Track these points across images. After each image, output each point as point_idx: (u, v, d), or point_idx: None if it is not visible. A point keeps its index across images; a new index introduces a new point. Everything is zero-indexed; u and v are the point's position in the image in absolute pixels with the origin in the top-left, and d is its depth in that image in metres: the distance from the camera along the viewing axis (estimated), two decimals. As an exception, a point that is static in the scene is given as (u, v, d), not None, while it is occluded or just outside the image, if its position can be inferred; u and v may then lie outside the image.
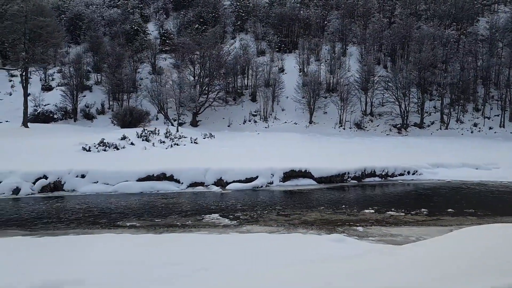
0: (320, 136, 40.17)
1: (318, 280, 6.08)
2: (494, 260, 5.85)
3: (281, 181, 18.61)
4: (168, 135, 27.38)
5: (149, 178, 17.33)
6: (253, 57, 53.34)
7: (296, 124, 47.11)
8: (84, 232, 11.14)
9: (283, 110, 49.35)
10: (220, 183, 17.92)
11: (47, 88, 48.93)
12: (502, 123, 47.59)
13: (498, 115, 48.69)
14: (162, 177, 17.54)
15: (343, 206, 15.00)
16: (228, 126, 46.57)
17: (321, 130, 45.30)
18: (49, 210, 13.92)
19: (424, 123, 47.41)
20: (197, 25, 60.40)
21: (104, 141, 22.47)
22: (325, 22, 62.65)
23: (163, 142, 25.79)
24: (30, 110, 42.40)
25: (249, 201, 15.72)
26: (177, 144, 26.00)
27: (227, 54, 50.48)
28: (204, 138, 30.31)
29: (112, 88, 47.58)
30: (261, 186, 17.96)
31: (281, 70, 53.91)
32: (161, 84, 46.63)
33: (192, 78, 47.24)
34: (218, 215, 13.29)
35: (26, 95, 35.22)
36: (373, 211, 14.28)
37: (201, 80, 46.49)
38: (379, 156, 25.58)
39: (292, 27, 60.78)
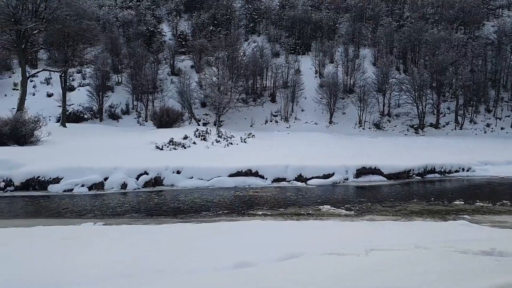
0: (346, 136, 41.62)
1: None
2: None
3: (354, 177, 19.93)
4: (220, 135, 28.43)
5: (238, 173, 18.45)
6: (269, 58, 54.61)
7: (316, 124, 48.47)
8: (234, 219, 12.25)
9: (302, 110, 50.67)
10: (300, 178, 19.14)
11: (69, 88, 49.28)
12: (514, 123, 49.81)
13: (508, 116, 50.94)
14: (249, 173, 18.68)
15: (432, 198, 16.37)
16: (251, 126, 47.62)
17: (341, 130, 46.75)
18: (187, 201, 14.90)
19: (440, 123, 49.27)
20: (211, 27, 61.38)
21: (173, 140, 23.47)
22: (337, 25, 64.26)
23: (218, 141, 26.84)
24: (55, 110, 42.99)
25: (340, 194, 16.98)
26: (231, 143, 27.09)
27: (244, 55, 51.70)
28: (248, 137, 31.38)
29: (135, 89, 48.26)
30: (339, 182, 19.24)
31: (297, 71, 55.21)
32: (184, 85, 47.46)
33: (216, 79, 48.18)
34: (329, 206, 14.51)
35: (64, 95, 35.80)
36: (463, 202, 15.70)
37: (225, 81, 47.47)
38: (419, 154, 26.97)
39: (305, 30, 62.28)
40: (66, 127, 36.06)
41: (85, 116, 43.56)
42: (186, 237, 9.56)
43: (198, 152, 23.26)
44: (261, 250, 8.35)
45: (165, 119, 35.82)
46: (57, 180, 16.33)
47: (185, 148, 23.71)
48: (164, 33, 59.88)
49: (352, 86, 52.15)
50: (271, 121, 48.96)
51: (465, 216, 13.44)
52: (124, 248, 8.35)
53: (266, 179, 18.74)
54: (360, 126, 48.23)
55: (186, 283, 6.28)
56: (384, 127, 48.36)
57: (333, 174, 19.44)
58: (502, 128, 49.69)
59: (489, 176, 22.04)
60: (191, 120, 46.62)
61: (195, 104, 47.08)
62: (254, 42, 59.99)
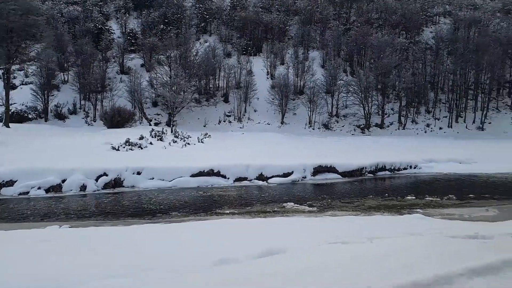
0: (297, 136, 42.78)
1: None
2: None
3: (312, 176, 20.71)
4: (177, 135, 28.25)
5: (200, 173, 18.56)
6: (221, 59, 54.83)
7: (269, 124, 49.31)
8: (203, 219, 12.41)
9: (255, 111, 51.32)
10: (261, 177, 19.60)
11: (10, 87, 46.66)
12: (450, 123, 53.47)
13: (445, 117, 54.55)
14: (211, 172, 18.85)
15: (386, 194, 17.43)
16: (204, 126, 47.57)
17: (293, 130, 47.90)
18: (152, 202, 14.76)
19: (384, 123, 51.85)
20: (162, 26, 60.54)
21: (130, 140, 23.05)
22: (287, 27, 65.62)
23: (175, 141, 26.68)
24: (-4, 109, 40.60)
25: (300, 192, 17.61)
26: (189, 144, 27.03)
27: (196, 54, 51.60)
28: (204, 137, 31.40)
29: (82, 88, 46.63)
30: (298, 180, 19.93)
31: (249, 72, 55.80)
32: (135, 84, 46.50)
33: (168, 78, 47.62)
34: (293, 203, 15.07)
35: (8, 94, 33.92)
36: (414, 197, 16.87)
37: (178, 80, 47.05)
38: (369, 153, 28.37)
39: (256, 31, 63.09)
40: (9, 127, 34.19)
41: (29, 116, 41.45)
42: (164, 237, 9.64)
43: (156, 152, 23.06)
44: (241, 247, 8.63)
45: (116, 119, 34.96)
46: (10, 183, 15.60)
47: (142, 148, 23.40)
48: (112, 31, 58.22)
49: (302, 87, 53.54)
50: (224, 121, 49.18)
51: (418, 210, 14.50)
52: (106, 249, 8.32)
53: (228, 178, 19.02)
54: (310, 126, 49.66)
55: (173, 280, 6.40)
56: (332, 127, 50.11)
57: (292, 172, 20.10)
58: (440, 128, 53.15)
59: (434, 172, 23.70)
60: (141, 120, 45.77)
61: (146, 103, 46.29)
62: (206, 42, 59.94)
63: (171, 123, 43.42)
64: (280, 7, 68.25)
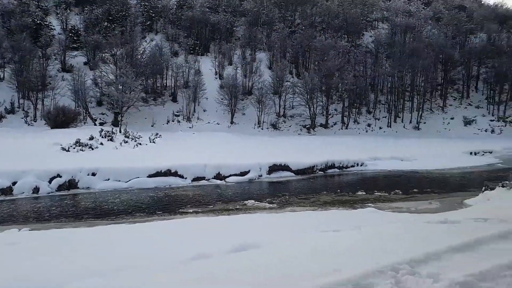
0: (248, 136, 43.38)
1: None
2: None
3: (267, 174, 21.36)
4: (128, 135, 27.75)
5: (158, 174, 18.53)
6: (169, 58, 54.29)
7: (218, 124, 49.55)
8: (167, 218, 12.55)
9: (204, 110, 51.34)
10: (219, 176, 19.93)
11: None
12: (389, 123, 56.69)
13: (385, 117, 57.74)
14: (168, 173, 18.87)
15: (338, 190, 18.44)
16: (152, 126, 46.82)
17: (242, 130, 48.49)
18: (112, 203, 14.53)
19: (329, 123, 53.91)
20: (106, 23, 58.77)
21: (80, 141, 22.41)
22: (234, 28, 66.18)
23: (126, 142, 26.25)
24: None
25: (258, 190, 18.18)
26: (140, 144, 26.69)
27: (143, 53, 50.76)
28: (156, 137, 31.04)
29: (21, 86, 44.24)
30: (255, 179, 20.49)
31: (198, 72, 55.67)
32: (79, 82, 44.84)
33: (114, 77, 46.38)
34: (253, 201, 15.57)
35: None
36: (364, 192, 18.00)
37: (125, 79, 45.98)
38: (318, 151, 29.64)
39: (203, 31, 63.06)
40: None
41: (-39, 115, 38.63)
42: (133, 236, 9.73)
43: (108, 153, 22.61)
44: (212, 243, 8.93)
45: (61, 119, 33.60)
46: (-44, 186, 14.76)
47: (92, 149, 22.84)
48: (52, 27, 55.63)
49: (251, 88, 54.33)
50: (173, 121, 48.74)
51: (370, 204, 15.56)
52: (77, 250, 8.31)
53: (186, 178, 19.15)
54: (259, 126, 50.53)
55: (150, 278, 6.54)
56: (280, 127, 51.32)
57: (248, 171, 20.63)
58: (380, 128, 56.19)
59: (379, 169, 25.25)
60: (86, 120, 44.21)
61: (91, 103, 44.78)
62: (152, 40, 58.96)
63: (119, 122, 42.33)
64: (227, 7, 68.70)
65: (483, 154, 34.32)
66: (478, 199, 16.29)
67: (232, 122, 49.99)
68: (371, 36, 69.76)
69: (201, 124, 49.08)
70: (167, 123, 48.16)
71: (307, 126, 52.39)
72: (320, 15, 71.28)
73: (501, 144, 40.73)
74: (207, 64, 57.71)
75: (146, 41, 59.39)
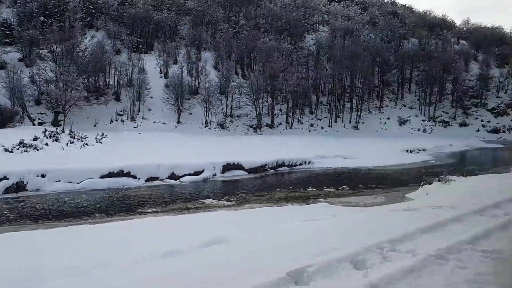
0: (196, 135, 43.35)
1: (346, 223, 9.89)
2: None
3: (221, 173, 21.72)
4: (73, 135, 26.84)
5: (110, 175, 18.26)
6: (112, 55, 52.83)
7: (164, 124, 48.98)
8: (127, 219, 12.57)
9: (149, 110, 50.51)
10: (173, 176, 19.99)
11: None
12: (330, 123, 59.08)
13: (326, 117, 60.08)
14: (121, 173, 18.65)
15: (290, 187, 19.24)
16: (94, 125, 45.34)
17: (189, 129, 48.32)
18: (67, 204, 14.11)
19: (274, 123, 55.17)
20: (42, 18, 55.97)
21: (24, 141, 21.43)
22: (178, 27, 65.61)
23: (72, 142, 25.41)
24: None
25: (214, 189, 18.52)
26: (87, 144, 25.96)
27: (84, 50, 49.03)
28: (102, 138, 30.21)
29: None
30: (209, 178, 20.77)
31: (142, 70, 54.63)
32: (15, 80, 42.40)
33: (53, 74, 44.39)
34: (211, 199, 15.91)
35: None
36: (315, 189, 18.95)
37: (64, 77, 44.15)
38: (267, 150, 30.56)
39: (146, 29, 61.92)
40: None
41: None
42: (101, 236, 9.76)
43: (54, 153, 21.86)
44: (181, 240, 9.22)
45: (-3, 118, 31.74)
46: None
47: (38, 150, 21.95)
48: (-19, 20, 52.00)
49: (197, 87, 54.25)
50: (116, 121, 47.50)
51: (321, 199, 16.46)
52: (45, 251, 8.26)
53: (139, 178, 19.02)
54: (207, 126, 50.62)
55: (125, 275, 6.78)
56: (227, 127, 51.74)
57: (203, 171, 20.87)
58: (322, 127, 58.40)
59: (325, 167, 26.49)
60: (23, 120, 41.95)
61: (29, 101, 42.52)
62: (93, 37, 56.90)
63: (59, 122, 40.61)
64: (171, 6, 67.95)
65: (417, 152, 37.01)
66: (418, 192, 17.80)
67: (178, 122, 49.63)
68: (312, 39, 72.16)
69: (146, 124, 48.24)
70: (110, 123, 46.85)
71: (253, 126, 53.25)
72: (263, 17, 72.55)
73: (433, 142, 44.10)
74: (151, 63, 56.74)
75: (86, 38, 57.26)
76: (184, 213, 13.69)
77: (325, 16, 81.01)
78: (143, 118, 49.08)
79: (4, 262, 7.28)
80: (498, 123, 65.55)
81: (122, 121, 47.78)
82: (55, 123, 43.80)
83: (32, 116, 42.63)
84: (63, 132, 30.39)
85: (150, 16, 61.90)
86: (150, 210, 13.96)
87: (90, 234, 10.14)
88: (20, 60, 49.55)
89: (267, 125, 54.58)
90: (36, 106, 44.49)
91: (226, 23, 69.36)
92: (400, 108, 66.88)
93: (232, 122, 53.34)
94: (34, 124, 40.60)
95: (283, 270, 4.87)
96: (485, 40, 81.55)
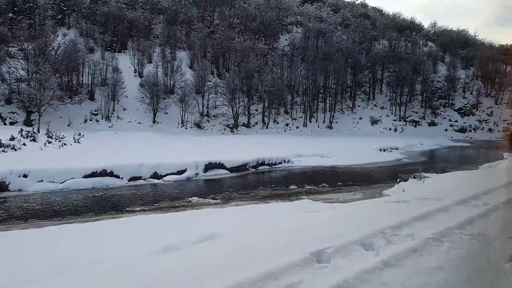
0: (173, 135, 43.28)
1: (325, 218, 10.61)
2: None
3: (203, 172, 21.94)
4: (51, 135, 26.43)
5: (93, 174, 18.21)
6: (85, 54, 52.00)
7: (140, 123, 48.63)
8: (116, 217, 12.70)
9: (124, 109, 50.01)
10: (156, 176, 20.09)
11: None
12: (305, 123, 60.03)
13: (301, 117, 61.00)
14: (104, 173, 18.62)
15: (273, 185, 19.69)
16: (68, 125, 44.55)
17: (165, 129, 48.16)
18: (52, 204, 14.02)
19: (250, 123, 55.62)
20: (11, 14, 54.50)
21: (1, 141, 21.03)
22: (152, 25, 65.11)
23: (50, 142, 25.04)
24: None
25: (199, 187, 18.78)
26: (65, 144, 25.63)
27: (58, 48, 48.07)
28: (80, 137, 29.78)
29: None
30: (192, 177, 20.97)
31: (116, 69, 53.97)
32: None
33: (25, 73, 43.31)
34: (197, 197, 16.17)
35: None
36: (296, 186, 19.47)
37: (38, 76, 43.19)
38: (246, 150, 30.90)
39: (119, 27, 61.15)
40: None
41: None
42: (94, 234, 9.90)
43: (33, 153, 21.55)
44: (175, 236, 9.48)
45: (-32, 118, 30.75)
46: None
47: (15, 150, 21.57)
48: None
49: (173, 87, 54.05)
50: (91, 120, 46.85)
51: (303, 196, 16.99)
52: (39, 250, 8.37)
53: (122, 178, 19.03)
54: (183, 125, 50.57)
55: (128, 267, 7.03)
56: (204, 127, 51.87)
57: (185, 170, 21.04)
58: (297, 127, 59.28)
59: (304, 166, 27.11)
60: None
61: (0, 101, 41.42)
62: (65, 35, 55.77)
63: (38, 121, 39.73)
64: (145, 4, 67.36)
65: (390, 151, 38.26)
66: (394, 189, 18.59)
67: (154, 121, 49.37)
68: (286, 40, 73.04)
69: (121, 123, 47.77)
70: (84, 122, 46.17)
71: (230, 126, 53.53)
72: (238, 17, 72.87)
73: (404, 141, 45.61)
74: (125, 62, 56.10)
75: (58, 36, 56.06)
76: (172, 211, 13.91)
77: (298, 17, 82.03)
78: (118, 117, 48.56)
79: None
80: (465, 122, 68.31)
81: (97, 120, 47.15)
82: (28, 123, 42.79)
83: (3, 115, 41.55)
84: (39, 132, 29.85)
85: (124, 14, 61.20)
86: (138, 209, 14.10)
87: (84, 232, 10.24)
88: (-11, 57, 48.10)
89: (243, 124, 54.98)
90: (7, 106, 43.36)
91: (200, 22, 69.29)
92: (372, 108, 68.62)
93: (208, 121, 53.45)
94: (5, 124, 39.62)
95: (306, 251, 5.34)
96: (452, 43, 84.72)
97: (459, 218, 7.55)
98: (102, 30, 59.36)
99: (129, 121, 48.47)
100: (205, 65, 57.76)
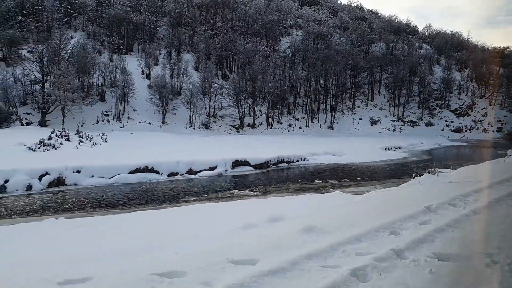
0: (185, 135, 44.80)
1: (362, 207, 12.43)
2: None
3: (231, 169, 23.58)
4: (81, 135, 27.88)
5: (137, 170, 19.77)
6: (95, 56, 53.28)
7: (150, 124, 50.02)
8: (176, 206, 14.28)
9: (134, 110, 51.37)
10: (191, 172, 21.68)
11: None
12: (307, 123, 61.81)
13: (303, 118, 62.76)
14: (146, 169, 20.18)
15: (299, 180, 21.38)
16: (82, 126, 45.76)
17: (174, 129, 49.63)
18: (115, 196, 15.52)
19: (255, 123, 57.26)
20: (20, 17, 55.64)
21: (44, 141, 22.47)
22: (157, 28, 66.48)
23: (82, 142, 26.47)
24: None
25: (232, 182, 20.38)
26: (96, 143, 27.09)
27: (71, 51, 49.39)
28: (106, 138, 31.19)
29: None
30: (222, 173, 22.59)
31: (124, 71, 55.30)
32: (2, 80, 42.42)
33: (39, 75, 44.59)
34: (237, 190, 17.78)
35: None
36: (320, 181, 21.17)
37: (51, 77, 44.52)
38: (261, 148, 32.54)
39: (125, 30, 62.45)
40: None
41: None
42: (175, 218, 11.48)
43: (71, 152, 22.98)
44: (248, 218, 11.08)
45: (-6, 119, 32.12)
46: None
47: (56, 148, 23.01)
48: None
49: (180, 88, 55.49)
50: (103, 121, 48.16)
51: (331, 189, 18.65)
52: (139, 229, 9.92)
53: (162, 174, 20.58)
54: (191, 126, 52.05)
55: (217, 240, 8.59)
56: (211, 127, 53.39)
57: (216, 167, 22.65)
58: (300, 127, 61.03)
59: (319, 163, 28.83)
60: (13, 120, 41.97)
61: (14, 102, 42.63)
62: (72, 38, 56.96)
63: (63, 122, 41.12)
64: (149, 7, 68.67)
65: (394, 150, 40.15)
66: (410, 183, 20.37)
67: (163, 122, 50.80)
68: (287, 42, 74.78)
69: (132, 124, 49.14)
70: (96, 123, 47.45)
71: (236, 126, 55.11)
72: (239, 20, 74.43)
73: (406, 141, 47.62)
74: (132, 64, 57.38)
75: (72, 38, 57.30)
76: (222, 201, 15.48)
77: (298, 20, 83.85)
78: (128, 118, 49.93)
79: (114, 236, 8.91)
80: (460, 123, 70.66)
81: (108, 121, 48.46)
82: (43, 123, 44.11)
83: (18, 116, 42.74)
84: (68, 132, 31.22)
85: (129, 17, 62.51)
86: (192, 199, 15.68)
87: (163, 216, 11.80)
88: (1, 60, 49.29)
89: (248, 125, 56.57)
90: (22, 107, 44.54)
91: (203, 25, 70.78)
92: (371, 109, 70.65)
93: (215, 122, 55.00)
94: (22, 124, 40.83)
95: (420, 206, 7.21)
96: (446, 45, 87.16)
97: (501, 191, 9.43)
98: (108, 33, 60.58)
99: (140, 122, 49.84)
100: (211, 67, 59.28)
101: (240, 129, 54.84)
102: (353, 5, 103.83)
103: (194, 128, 51.80)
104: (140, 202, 15.09)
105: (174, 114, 52.59)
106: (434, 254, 5.05)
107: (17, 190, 15.90)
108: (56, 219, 12.04)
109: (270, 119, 58.91)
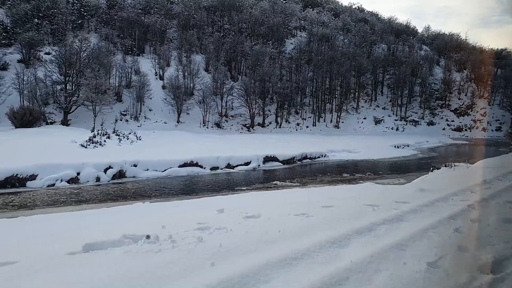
0: (199, 134, 46.70)
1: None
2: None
3: (263, 164, 25.67)
4: (118, 133, 29.80)
5: (185, 164, 21.83)
6: (111, 57, 55.08)
7: (166, 123, 51.97)
8: (232, 193, 16.32)
9: (150, 110, 53.27)
10: (229, 166, 23.75)
11: None
12: (314, 122, 63.97)
13: (310, 117, 64.94)
14: (191, 163, 22.24)
15: (328, 173, 23.50)
16: (101, 125, 47.57)
17: (189, 128, 51.59)
18: (176, 186, 17.54)
19: (265, 123, 59.36)
20: (36, 20, 57.40)
21: (93, 138, 24.48)
22: (167, 30, 68.39)
23: (121, 139, 28.40)
24: None
25: (268, 175, 22.45)
26: (133, 141, 29.06)
27: (92, 52, 51.19)
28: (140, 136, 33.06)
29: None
30: (256, 168, 24.68)
31: (138, 72, 57.19)
32: (32, 81, 44.31)
33: (61, 77, 46.40)
34: (278, 181, 19.85)
35: None
36: (348, 174, 23.28)
37: (70, 78, 46.45)
38: (279, 146, 34.62)
39: (136, 32, 64.27)
40: None
41: None
42: (241, 201, 13.53)
43: (116, 148, 24.89)
44: (304, 204, 13.15)
45: (28, 119, 33.94)
46: (33, 177, 16.57)
47: (102, 146, 24.95)
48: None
49: (192, 89, 57.45)
50: (121, 120, 49.97)
51: (360, 181, 20.79)
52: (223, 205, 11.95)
53: (205, 168, 22.64)
54: (204, 125, 54.03)
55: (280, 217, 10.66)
56: (223, 126, 55.41)
57: (250, 162, 24.73)
58: (307, 126, 63.19)
59: (339, 159, 30.96)
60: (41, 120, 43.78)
61: (38, 102, 44.41)
62: (84, 39, 58.73)
63: (94, 122, 43.11)
64: (159, 10, 70.53)
65: (403, 147, 42.42)
66: (429, 176, 22.57)
67: (178, 121, 52.74)
68: (292, 44, 76.93)
69: (149, 123, 51.05)
70: (115, 122, 49.21)
71: (247, 125, 57.17)
72: (245, 22, 76.46)
73: (411, 139, 49.92)
74: (145, 65, 59.26)
75: (79, 40, 58.98)
76: (269, 190, 17.55)
77: (302, 22, 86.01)
78: (145, 118, 51.84)
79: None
80: (460, 122, 73.20)
81: (126, 120, 50.34)
82: (65, 122, 45.95)
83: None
84: (94, 129, 33.18)
85: (141, 19, 64.36)
86: (244, 188, 17.74)
87: (228, 200, 13.82)
88: (19, 61, 51.00)
89: (258, 124, 58.65)
90: (45, 107, 46.32)
91: (210, 27, 72.74)
92: (375, 109, 72.98)
93: (227, 121, 57.03)
94: (47, 123, 42.65)
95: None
96: (446, 47, 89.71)
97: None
98: (121, 35, 62.38)
99: (156, 121, 51.76)
100: (221, 68, 61.27)
101: (250, 128, 56.89)
102: (353, 6, 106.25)
103: (207, 127, 53.79)
104: (201, 190, 17.11)
105: (187, 114, 54.54)
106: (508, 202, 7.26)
107: (88, 181, 17.86)
108: (143, 203, 14.08)
109: (279, 119, 61.01)
